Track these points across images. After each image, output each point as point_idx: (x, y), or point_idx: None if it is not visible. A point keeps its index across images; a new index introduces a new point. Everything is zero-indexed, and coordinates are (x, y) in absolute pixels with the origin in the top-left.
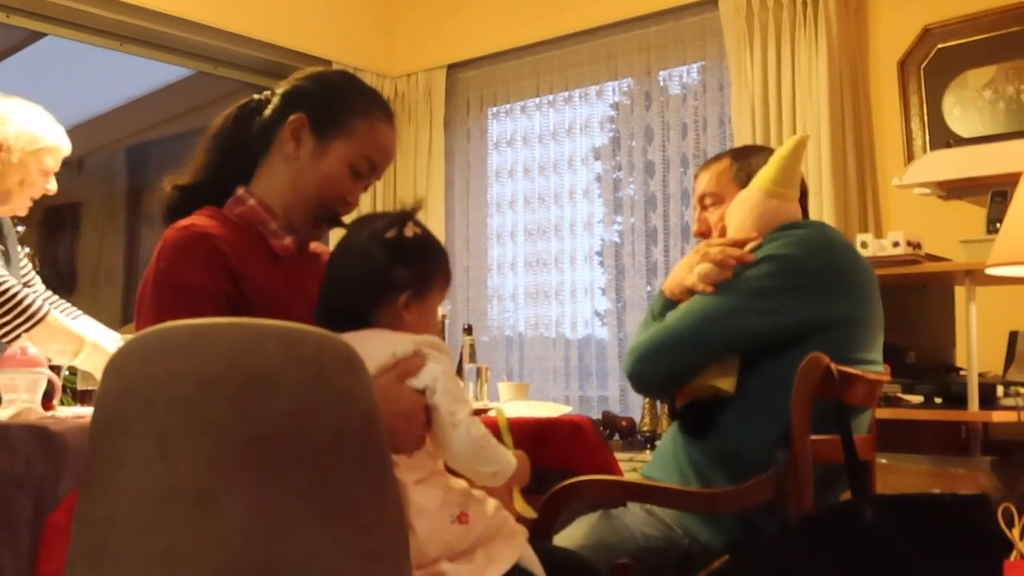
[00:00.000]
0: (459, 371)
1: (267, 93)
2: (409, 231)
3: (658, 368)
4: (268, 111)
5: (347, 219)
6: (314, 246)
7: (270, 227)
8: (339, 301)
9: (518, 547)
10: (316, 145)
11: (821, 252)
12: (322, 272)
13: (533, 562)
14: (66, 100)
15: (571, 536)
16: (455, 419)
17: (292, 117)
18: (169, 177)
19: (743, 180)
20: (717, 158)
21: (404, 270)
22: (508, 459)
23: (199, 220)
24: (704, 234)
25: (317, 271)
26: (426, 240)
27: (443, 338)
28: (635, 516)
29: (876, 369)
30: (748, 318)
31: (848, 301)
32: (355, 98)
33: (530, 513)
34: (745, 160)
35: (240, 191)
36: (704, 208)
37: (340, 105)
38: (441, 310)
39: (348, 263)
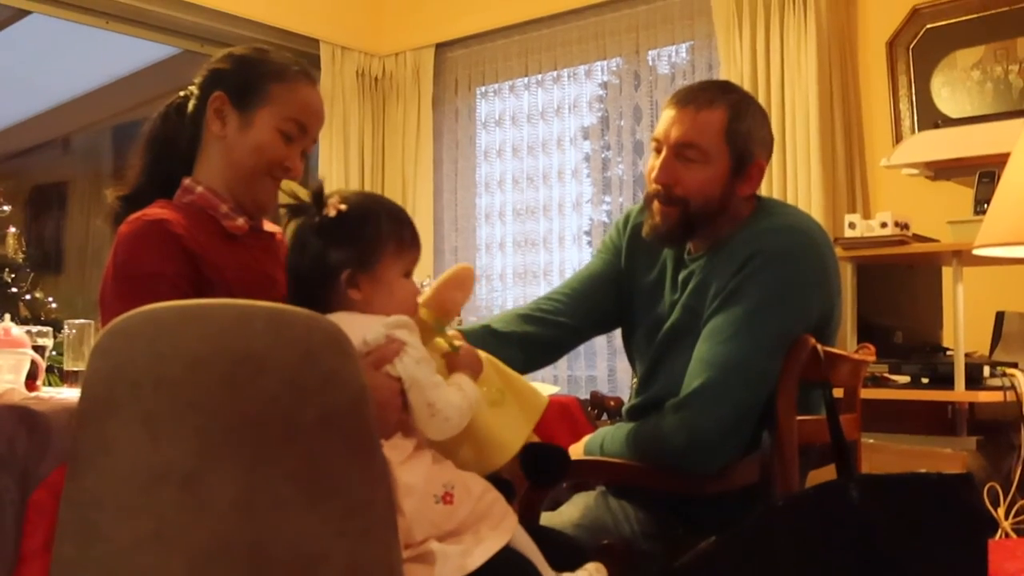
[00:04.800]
0: None
1: (189, 88)
2: (331, 210)
3: (736, 441)
4: (192, 103)
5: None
6: (269, 226)
7: (221, 210)
8: (293, 292)
9: (508, 528)
10: (240, 119)
11: (814, 254)
12: (278, 250)
13: (526, 543)
14: (52, 78)
15: (568, 514)
16: (434, 409)
17: (212, 96)
18: (110, 189)
19: (736, 149)
20: (708, 101)
21: (337, 250)
22: (471, 399)
23: (150, 210)
24: (669, 186)
25: (273, 249)
26: (357, 213)
27: None
28: (630, 498)
29: None
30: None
31: (837, 295)
32: (268, 66)
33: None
34: (743, 121)
35: (186, 181)
36: (678, 155)
37: (255, 75)
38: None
39: (291, 253)
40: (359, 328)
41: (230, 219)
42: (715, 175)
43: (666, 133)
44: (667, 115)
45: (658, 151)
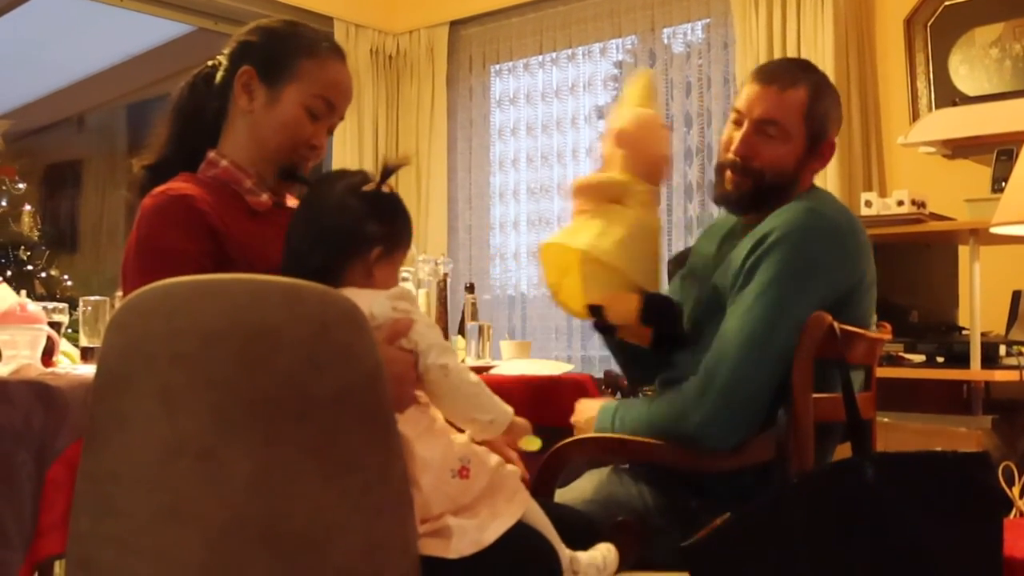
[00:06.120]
0: (461, 330)
1: (219, 57)
2: (386, 187)
3: (751, 415)
4: (220, 74)
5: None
6: (292, 201)
7: (245, 185)
8: (310, 254)
9: (522, 502)
10: (268, 94)
11: (829, 232)
12: None
13: (539, 518)
14: (66, 56)
15: (580, 490)
16: (447, 370)
17: (240, 71)
18: (136, 159)
19: (812, 128)
20: (792, 81)
21: (378, 225)
22: (503, 407)
23: (174, 184)
24: (748, 158)
25: None
26: (398, 199)
27: (445, 297)
28: (643, 474)
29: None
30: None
31: (869, 260)
32: (298, 40)
33: (534, 444)
34: (822, 102)
35: (211, 154)
36: (758, 131)
37: (284, 49)
38: (443, 268)
39: (323, 214)
40: (364, 301)
41: (254, 195)
42: (792, 152)
43: (749, 107)
44: (751, 90)
45: (738, 123)
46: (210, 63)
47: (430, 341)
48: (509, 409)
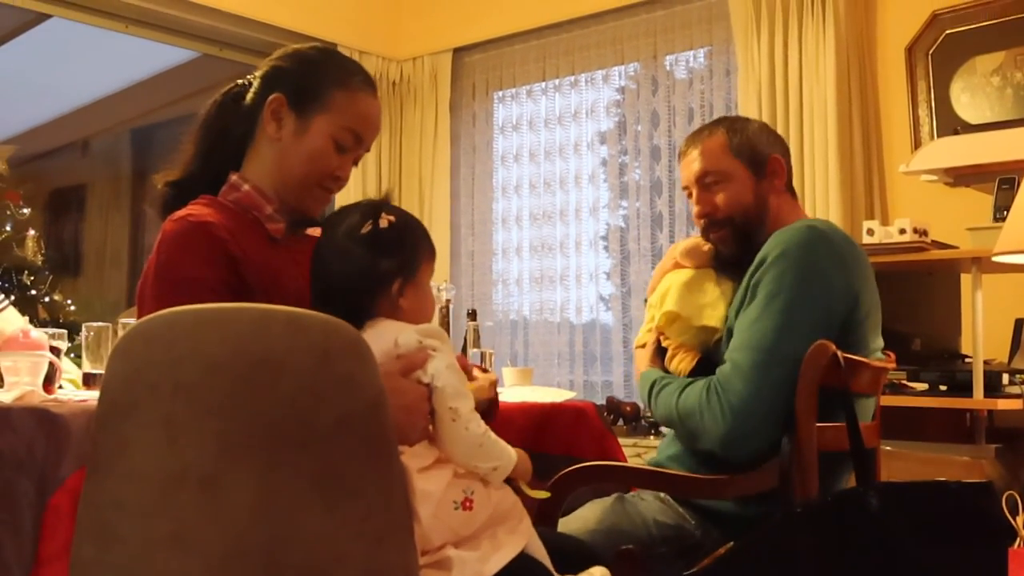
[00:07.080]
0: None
1: (249, 77)
2: (383, 221)
3: (766, 421)
4: (250, 95)
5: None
6: (312, 230)
7: (265, 211)
8: (335, 301)
9: (525, 534)
10: (297, 123)
11: (821, 244)
12: None
13: (539, 549)
14: (71, 82)
15: (584, 519)
16: (456, 414)
17: (270, 98)
18: (160, 174)
19: (745, 156)
20: (708, 133)
21: (388, 260)
22: (508, 454)
23: (195, 209)
24: (711, 214)
25: None
26: (402, 224)
27: (447, 323)
28: (648, 503)
29: (879, 356)
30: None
31: (869, 279)
32: (332, 71)
33: (542, 494)
34: (741, 133)
35: (234, 177)
36: (705, 188)
37: (317, 79)
38: (445, 294)
39: (333, 263)
40: (393, 331)
41: (273, 221)
42: (741, 185)
43: (687, 177)
44: (680, 166)
45: (690, 196)
46: (240, 81)
47: (446, 381)
48: (514, 455)
